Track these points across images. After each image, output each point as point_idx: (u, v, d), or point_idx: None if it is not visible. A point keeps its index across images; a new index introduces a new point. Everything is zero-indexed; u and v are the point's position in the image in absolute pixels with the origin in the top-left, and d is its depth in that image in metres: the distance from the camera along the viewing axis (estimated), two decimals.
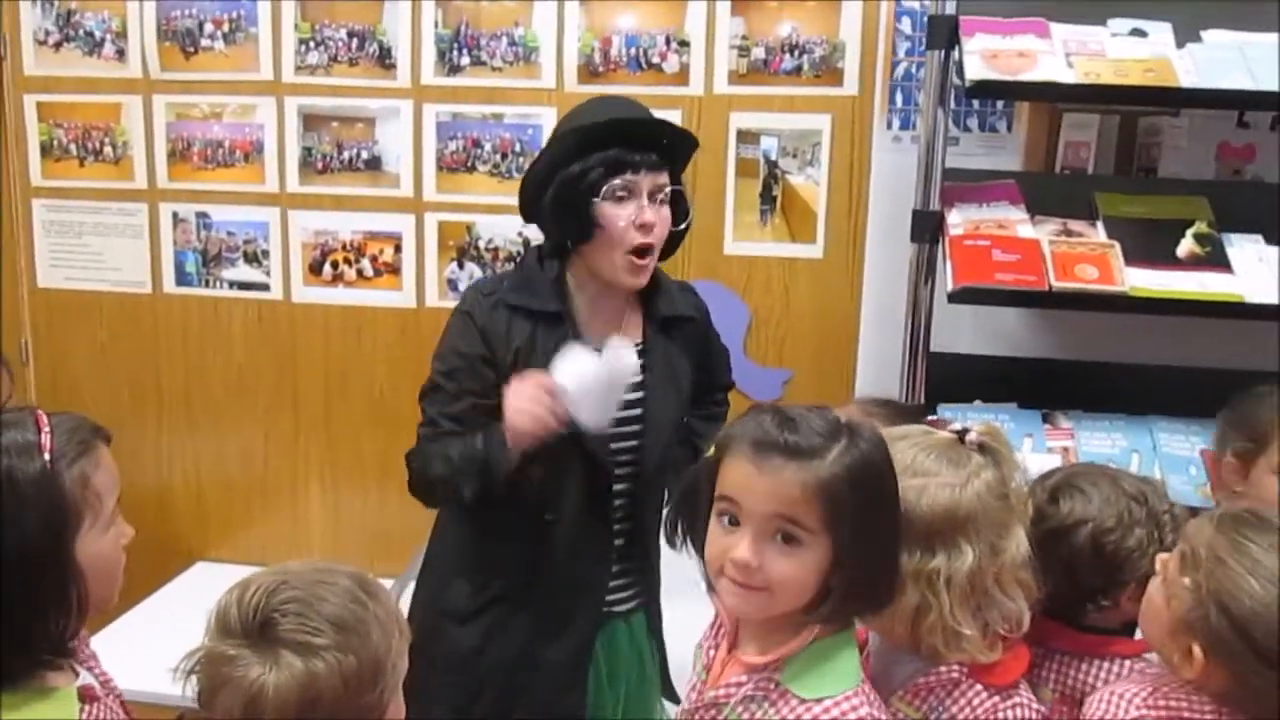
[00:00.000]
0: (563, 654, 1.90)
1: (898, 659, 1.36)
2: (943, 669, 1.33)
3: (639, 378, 1.83)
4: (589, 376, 1.72)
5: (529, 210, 1.88)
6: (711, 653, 1.39)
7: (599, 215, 1.79)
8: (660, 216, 1.82)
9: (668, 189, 1.83)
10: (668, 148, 1.84)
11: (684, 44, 2.80)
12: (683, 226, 1.88)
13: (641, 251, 1.82)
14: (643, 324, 1.94)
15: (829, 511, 1.21)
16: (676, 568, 2.06)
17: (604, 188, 1.78)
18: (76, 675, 1.25)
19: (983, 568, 1.32)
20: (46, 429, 1.21)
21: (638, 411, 1.89)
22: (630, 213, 1.78)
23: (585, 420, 1.73)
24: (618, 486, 1.90)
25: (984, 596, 1.33)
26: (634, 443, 1.89)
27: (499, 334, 1.83)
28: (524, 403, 1.72)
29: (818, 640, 1.25)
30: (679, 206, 1.88)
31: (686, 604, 2.21)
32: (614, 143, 1.78)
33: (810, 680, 1.24)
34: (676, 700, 2.04)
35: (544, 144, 1.88)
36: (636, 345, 1.92)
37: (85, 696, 1.24)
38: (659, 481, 1.98)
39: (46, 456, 1.19)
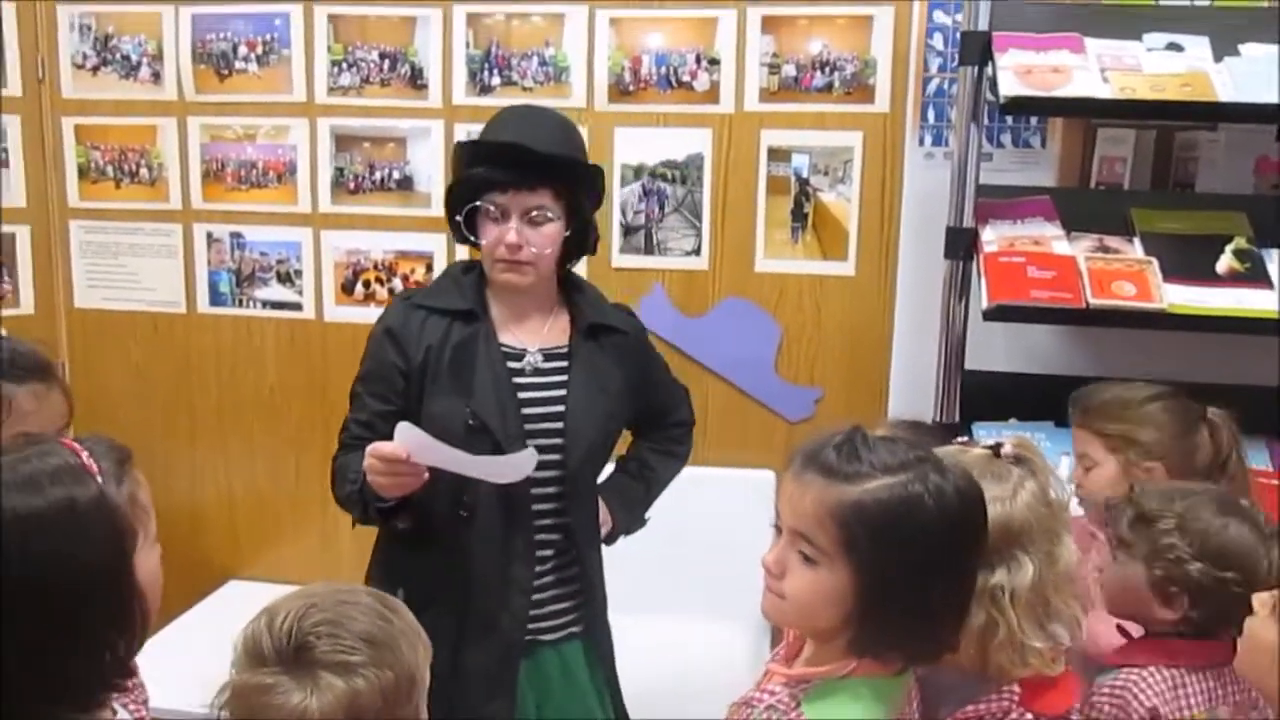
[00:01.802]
0: (489, 660, 1.85)
1: (949, 687, 1.33)
2: (993, 698, 1.31)
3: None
4: (426, 443, 1.71)
5: None
6: (772, 663, 1.38)
7: (476, 231, 1.85)
8: (534, 236, 1.82)
9: (544, 210, 1.83)
10: (561, 169, 1.84)
11: (714, 62, 2.79)
12: (570, 233, 1.87)
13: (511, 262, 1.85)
14: (570, 329, 1.94)
15: (845, 537, 1.19)
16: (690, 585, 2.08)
17: (472, 207, 1.83)
18: (114, 713, 1.22)
19: (1043, 578, 1.30)
20: (84, 452, 1.19)
21: (560, 409, 1.89)
22: (498, 233, 1.83)
23: (442, 462, 1.73)
24: (540, 490, 1.87)
25: (1046, 606, 1.31)
26: (558, 440, 1.88)
27: (412, 335, 1.87)
28: (380, 478, 1.73)
29: (854, 675, 1.23)
30: (581, 220, 1.88)
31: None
32: (488, 161, 1.83)
33: (829, 709, 1.22)
34: None
35: None
36: (560, 349, 1.92)
37: None
38: (589, 489, 1.96)
39: (99, 479, 1.17)
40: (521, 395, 1.87)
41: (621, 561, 2.02)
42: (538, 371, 1.90)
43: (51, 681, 1.10)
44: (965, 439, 1.54)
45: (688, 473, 2.17)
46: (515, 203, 1.82)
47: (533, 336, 1.92)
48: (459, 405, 1.83)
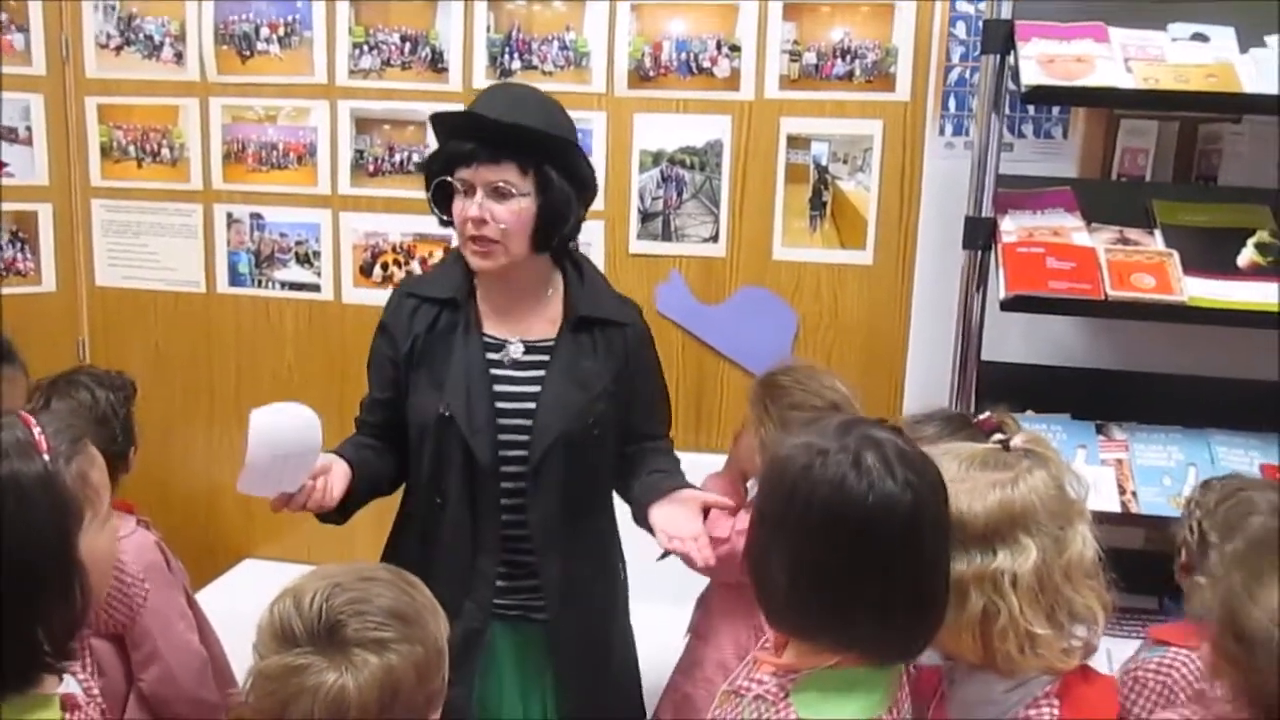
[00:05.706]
0: (451, 647, 1.85)
1: (981, 699, 1.31)
2: (1031, 713, 1.28)
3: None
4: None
5: None
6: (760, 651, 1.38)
7: (451, 207, 1.83)
8: (499, 211, 1.76)
9: (509, 185, 1.76)
10: (527, 142, 1.76)
11: (735, 49, 2.79)
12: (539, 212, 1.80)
13: (477, 239, 1.80)
14: (560, 321, 1.90)
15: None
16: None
17: (440, 181, 1.81)
18: (61, 680, 1.21)
19: (1048, 562, 1.27)
20: (37, 428, 1.19)
21: (531, 405, 1.85)
22: (462, 208, 1.80)
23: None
24: (508, 484, 1.85)
25: (1055, 595, 1.28)
26: (525, 437, 1.85)
27: (401, 326, 1.89)
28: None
29: (840, 667, 1.22)
30: (551, 196, 1.79)
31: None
32: (457, 135, 1.80)
33: (817, 701, 1.21)
34: None
35: (588, 149, 1.88)
36: (545, 341, 1.88)
37: (66, 704, 1.20)
38: (553, 486, 1.86)
39: (46, 456, 1.17)
40: (498, 388, 1.86)
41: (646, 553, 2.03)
42: (516, 364, 1.88)
43: None
44: (984, 416, 1.55)
45: (704, 460, 2.17)
46: (479, 177, 1.77)
47: (518, 327, 1.89)
48: (434, 396, 1.84)
